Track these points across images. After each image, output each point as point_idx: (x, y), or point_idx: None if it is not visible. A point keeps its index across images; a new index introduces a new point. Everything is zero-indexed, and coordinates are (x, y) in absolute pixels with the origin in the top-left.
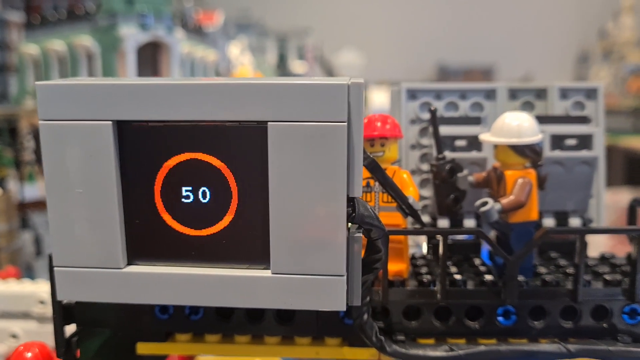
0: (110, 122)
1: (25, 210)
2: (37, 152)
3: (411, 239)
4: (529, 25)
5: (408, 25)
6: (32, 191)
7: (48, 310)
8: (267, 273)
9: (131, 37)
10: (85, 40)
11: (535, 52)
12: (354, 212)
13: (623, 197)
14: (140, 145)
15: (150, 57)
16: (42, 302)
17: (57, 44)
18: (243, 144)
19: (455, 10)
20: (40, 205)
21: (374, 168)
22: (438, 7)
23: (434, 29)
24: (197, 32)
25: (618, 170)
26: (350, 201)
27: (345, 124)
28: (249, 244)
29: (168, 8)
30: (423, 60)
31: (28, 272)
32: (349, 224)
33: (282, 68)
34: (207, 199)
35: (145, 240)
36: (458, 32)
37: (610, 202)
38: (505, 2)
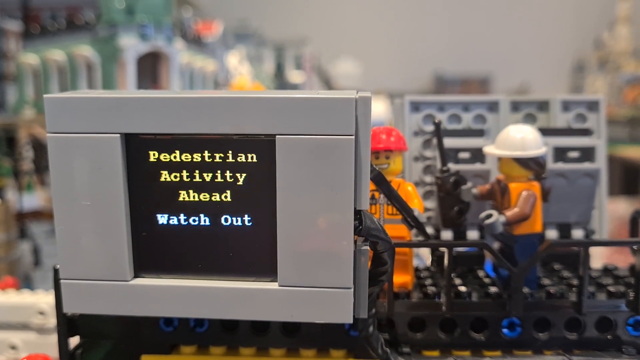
0: (118, 135)
1: (23, 220)
2: (36, 162)
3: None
4: (525, 35)
5: (405, 35)
6: (31, 201)
7: (48, 322)
8: (274, 285)
9: (131, 47)
10: (85, 50)
11: (532, 62)
12: (361, 225)
13: (620, 206)
14: (148, 158)
15: (150, 68)
16: (41, 313)
17: (56, 54)
18: (251, 157)
19: (452, 20)
20: (38, 215)
21: (380, 180)
22: (435, 17)
23: (430, 38)
24: (196, 42)
25: (615, 180)
26: (357, 214)
27: (353, 137)
28: (256, 256)
29: (168, 18)
30: (420, 70)
31: (26, 283)
32: (356, 236)
33: (280, 78)
34: None
35: (152, 253)
36: (455, 41)
37: (607, 212)
38: (502, 12)
